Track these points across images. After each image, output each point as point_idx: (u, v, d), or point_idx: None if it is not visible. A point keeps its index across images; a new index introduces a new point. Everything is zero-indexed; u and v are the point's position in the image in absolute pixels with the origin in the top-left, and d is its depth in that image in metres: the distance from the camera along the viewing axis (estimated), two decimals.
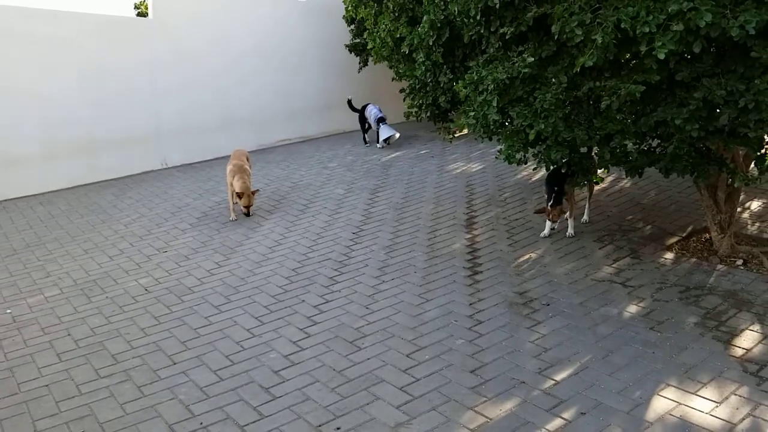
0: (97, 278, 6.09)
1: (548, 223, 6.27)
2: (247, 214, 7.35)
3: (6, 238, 7.45)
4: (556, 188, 5.99)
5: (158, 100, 10.08)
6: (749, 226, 6.09)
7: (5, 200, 9.03)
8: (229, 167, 7.51)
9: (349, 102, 10.95)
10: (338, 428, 3.60)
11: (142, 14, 14.20)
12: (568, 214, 6.22)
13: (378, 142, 10.58)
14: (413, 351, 4.37)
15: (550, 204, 6.04)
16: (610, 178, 7.88)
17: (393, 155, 10.09)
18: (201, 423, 3.76)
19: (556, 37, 3.99)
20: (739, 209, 6.13)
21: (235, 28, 10.68)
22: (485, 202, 7.45)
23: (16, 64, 8.86)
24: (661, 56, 3.54)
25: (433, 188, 8.16)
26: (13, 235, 7.51)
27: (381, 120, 10.41)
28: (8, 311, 5.46)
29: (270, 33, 11.03)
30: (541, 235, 6.24)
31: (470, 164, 9.24)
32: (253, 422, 3.73)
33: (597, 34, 3.60)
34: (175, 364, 4.45)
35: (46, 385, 4.26)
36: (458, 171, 8.94)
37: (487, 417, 3.62)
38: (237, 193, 7.20)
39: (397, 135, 10.51)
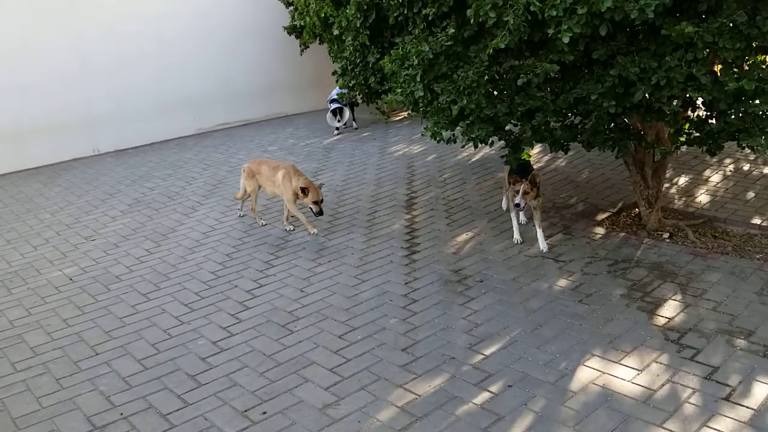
0: (19, 269, 5.82)
1: (514, 218, 5.68)
2: (320, 213, 5.90)
3: None
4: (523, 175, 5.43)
5: (88, 83, 9.63)
6: (676, 201, 6.30)
7: None
8: (280, 173, 6.07)
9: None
10: (264, 413, 3.55)
11: None
12: (536, 220, 5.53)
13: (338, 121, 10.20)
14: (346, 332, 4.34)
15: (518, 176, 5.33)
16: (545, 158, 8.02)
17: (334, 138, 9.98)
18: (121, 413, 3.65)
19: (471, 20, 4.01)
20: (666, 185, 6.34)
21: (168, 6, 10.28)
22: (425, 183, 7.46)
23: None
24: (566, 40, 3.63)
25: (374, 170, 8.12)
26: None
27: (333, 101, 10.18)
28: None
29: (205, 13, 10.68)
30: (514, 239, 5.62)
31: (412, 146, 9.24)
32: (177, 410, 3.63)
33: (509, 16, 3.63)
34: (97, 354, 4.30)
35: None
36: (400, 153, 8.93)
37: (415, 394, 3.63)
38: (301, 188, 5.81)
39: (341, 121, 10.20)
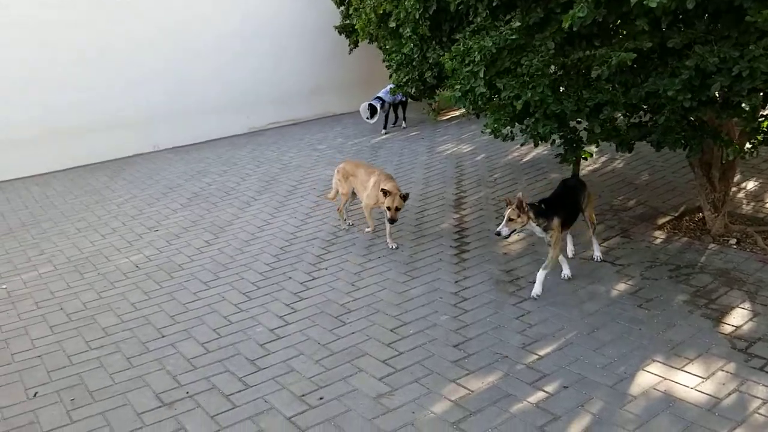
0: (90, 256, 6.09)
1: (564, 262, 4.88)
2: (392, 220, 5.55)
3: (2, 217, 7.45)
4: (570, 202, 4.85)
5: (147, 82, 9.96)
6: (744, 206, 6.04)
7: (2, 181, 9.04)
8: (372, 179, 5.79)
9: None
10: (321, 398, 3.60)
11: None
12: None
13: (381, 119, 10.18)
14: (397, 326, 4.34)
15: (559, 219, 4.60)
16: (602, 159, 7.83)
17: (383, 138, 10.01)
18: (187, 392, 3.78)
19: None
20: (734, 189, 6.08)
21: (222, 6, 10.50)
22: (475, 183, 7.39)
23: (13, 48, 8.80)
24: (653, 4, 3.39)
25: (423, 169, 8.10)
26: (9, 215, 7.51)
27: (376, 98, 10.17)
28: (3, 287, 5.48)
29: (255, 12, 10.84)
30: (563, 276, 4.88)
31: (460, 146, 9.18)
32: (238, 392, 3.73)
33: None
34: (163, 337, 4.46)
35: (39, 356, 4.31)
36: (448, 152, 8.88)
37: (468, 389, 3.59)
38: (383, 190, 5.48)
39: (370, 117, 10.08)
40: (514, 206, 4.41)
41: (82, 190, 8.37)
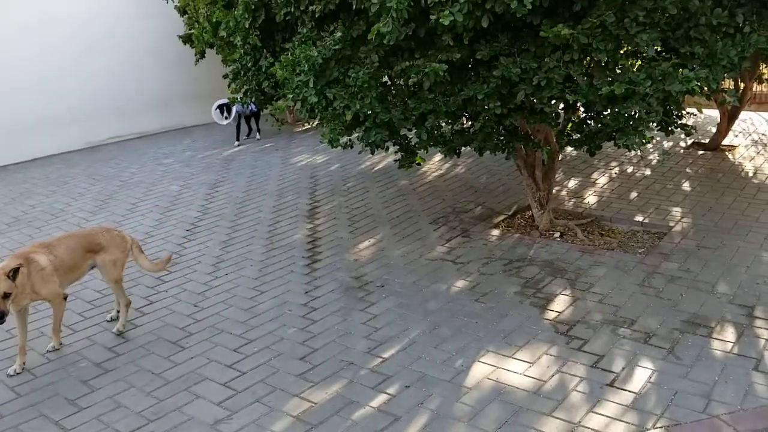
0: None
1: None
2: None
3: None
4: None
5: None
6: (566, 203, 6.64)
7: None
8: None
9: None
10: None
11: None
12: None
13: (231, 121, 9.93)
14: (241, 345, 4.20)
15: None
16: (446, 165, 8.22)
17: (236, 150, 9.75)
18: None
19: (354, 6, 4.03)
20: (557, 188, 6.67)
21: (51, 12, 9.64)
22: (329, 192, 7.43)
23: None
24: (446, 22, 3.68)
25: (277, 181, 7.99)
26: None
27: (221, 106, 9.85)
28: None
29: (91, 20, 10.09)
30: None
31: (315, 156, 9.19)
32: None
33: (391, 2, 3.67)
34: None
35: None
36: (303, 163, 8.85)
37: (312, 402, 3.56)
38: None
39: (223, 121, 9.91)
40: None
41: None
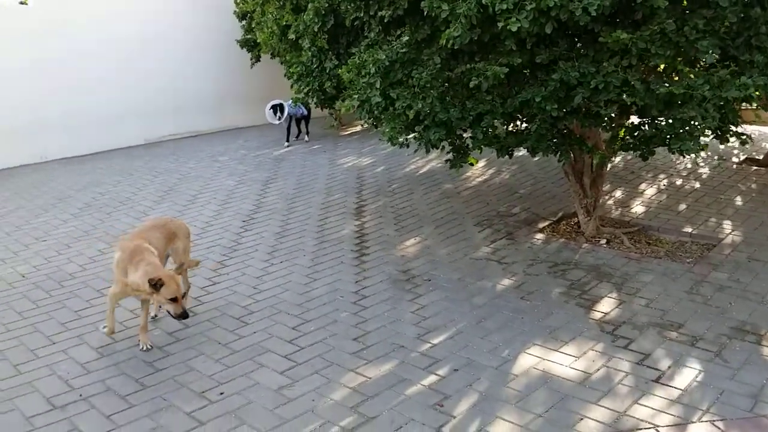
0: None
1: None
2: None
3: None
4: None
5: (32, 88, 9.41)
6: (613, 211, 6.71)
7: None
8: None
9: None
10: (221, 393, 3.65)
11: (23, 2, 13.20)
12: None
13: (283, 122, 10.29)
14: (299, 324, 4.46)
15: None
16: (490, 171, 8.39)
17: (285, 150, 10.12)
18: (80, 395, 3.70)
19: (425, 12, 4.28)
20: (604, 197, 6.76)
21: (112, 11, 10.18)
22: (374, 192, 7.68)
23: None
24: (514, 29, 3.89)
25: (325, 180, 8.29)
26: None
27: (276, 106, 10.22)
28: None
29: (151, 20, 10.60)
30: None
31: (361, 158, 9.47)
32: (135, 392, 3.70)
33: (461, 8, 3.90)
34: (54, 344, 4.32)
35: None
36: (349, 164, 9.14)
37: (366, 377, 3.78)
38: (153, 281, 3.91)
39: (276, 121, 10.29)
40: None
41: None
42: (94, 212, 7.22)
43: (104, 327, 4.35)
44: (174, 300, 3.87)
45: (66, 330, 4.50)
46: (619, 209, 6.77)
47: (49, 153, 9.80)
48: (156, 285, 3.81)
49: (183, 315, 3.92)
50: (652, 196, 7.11)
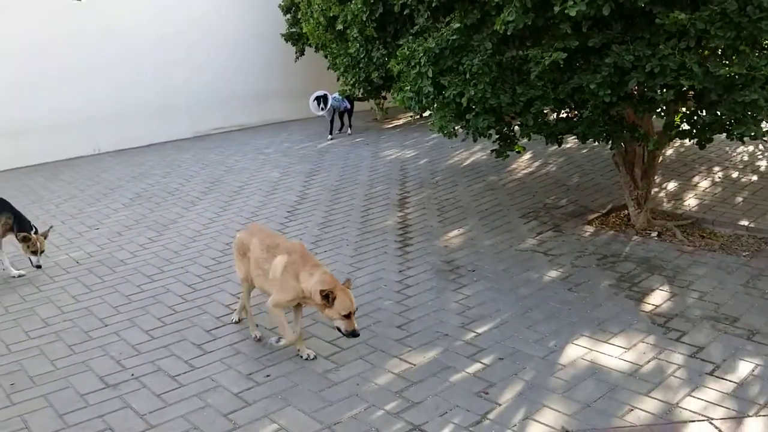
0: None
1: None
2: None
3: None
4: None
5: (86, 83, 9.74)
6: (665, 204, 6.50)
7: None
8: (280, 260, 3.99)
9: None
10: (268, 375, 3.71)
11: None
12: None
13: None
14: None
15: None
16: (536, 163, 8.25)
17: (329, 143, 10.18)
18: (132, 374, 3.82)
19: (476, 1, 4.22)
20: (655, 189, 6.55)
21: (161, 11, 10.42)
22: (418, 184, 7.65)
23: None
24: (572, 13, 3.77)
25: (368, 172, 8.30)
26: None
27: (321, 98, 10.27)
28: None
29: (198, 19, 10.82)
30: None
31: (404, 151, 9.45)
32: (185, 373, 3.80)
33: None
34: (106, 326, 4.47)
35: None
36: (392, 157, 9.13)
37: (411, 363, 3.77)
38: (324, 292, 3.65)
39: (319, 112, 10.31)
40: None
41: (17, 191, 8.09)
42: (144, 202, 7.43)
43: (279, 340, 3.95)
44: (347, 316, 3.58)
45: (118, 313, 4.65)
46: (672, 202, 6.56)
47: (102, 145, 10.13)
48: (328, 297, 3.53)
49: (354, 333, 3.62)
50: (707, 188, 6.86)
